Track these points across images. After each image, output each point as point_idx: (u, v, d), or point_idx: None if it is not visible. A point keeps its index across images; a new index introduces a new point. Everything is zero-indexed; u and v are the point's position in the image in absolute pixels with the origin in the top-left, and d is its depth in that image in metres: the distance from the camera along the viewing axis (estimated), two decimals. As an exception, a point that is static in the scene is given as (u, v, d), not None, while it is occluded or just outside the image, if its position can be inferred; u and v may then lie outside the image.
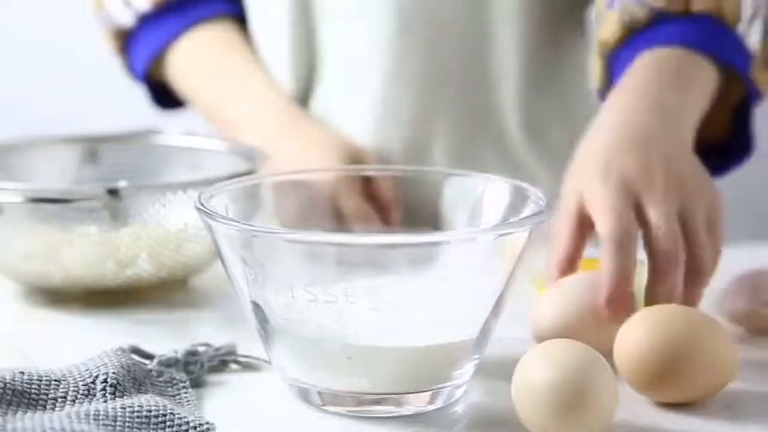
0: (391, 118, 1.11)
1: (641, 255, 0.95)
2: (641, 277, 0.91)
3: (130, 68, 1.20)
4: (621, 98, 0.90)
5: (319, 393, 0.74)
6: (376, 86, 1.11)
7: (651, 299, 0.80)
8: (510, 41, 1.11)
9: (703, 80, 0.94)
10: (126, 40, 1.17)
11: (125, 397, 0.73)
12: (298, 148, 1.06)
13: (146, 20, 1.16)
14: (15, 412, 0.71)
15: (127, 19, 1.16)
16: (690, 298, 0.82)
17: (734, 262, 0.93)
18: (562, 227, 0.84)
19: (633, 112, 0.88)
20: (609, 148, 0.85)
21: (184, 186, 0.90)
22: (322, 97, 1.13)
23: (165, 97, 1.21)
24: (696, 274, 0.82)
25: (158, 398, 0.72)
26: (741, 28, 0.97)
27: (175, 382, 0.77)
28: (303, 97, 1.14)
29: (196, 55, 1.15)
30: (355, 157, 1.05)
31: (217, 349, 0.80)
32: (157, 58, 1.16)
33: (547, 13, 1.13)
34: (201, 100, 1.15)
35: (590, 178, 0.83)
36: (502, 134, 1.14)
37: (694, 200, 0.83)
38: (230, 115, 1.12)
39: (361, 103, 1.12)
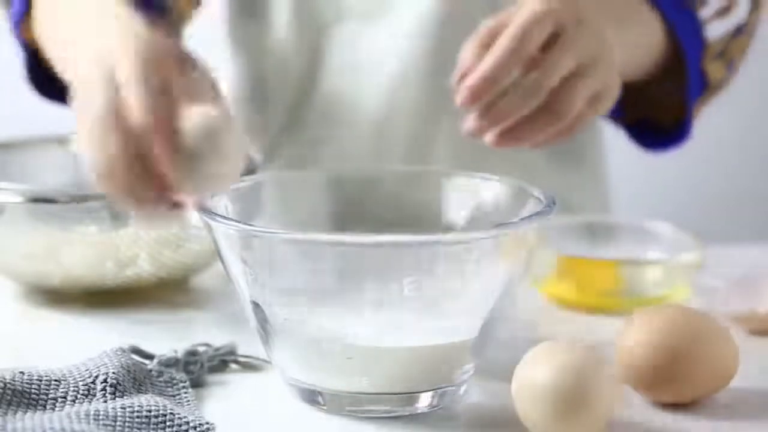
0: (395, 119, 1.11)
1: (644, 255, 0.96)
2: (644, 275, 0.91)
3: (13, 27, 1.05)
4: None
5: (319, 393, 0.74)
6: (380, 88, 1.11)
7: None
8: None
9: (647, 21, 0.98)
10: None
11: (125, 397, 0.73)
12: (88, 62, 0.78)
13: None
14: (15, 412, 0.71)
15: None
16: (528, 130, 0.84)
17: (734, 262, 0.94)
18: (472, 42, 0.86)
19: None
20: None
21: (184, 186, 0.90)
22: (321, 100, 1.13)
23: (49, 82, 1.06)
24: (548, 113, 0.83)
25: (158, 398, 0.72)
26: (704, 13, 0.99)
27: (175, 382, 0.77)
28: (297, 102, 1.14)
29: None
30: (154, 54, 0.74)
31: (217, 349, 0.80)
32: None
33: None
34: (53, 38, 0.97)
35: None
36: None
37: (597, 72, 0.84)
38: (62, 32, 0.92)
39: (364, 106, 1.12)
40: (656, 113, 1.08)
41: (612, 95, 0.86)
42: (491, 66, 0.82)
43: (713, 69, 1.02)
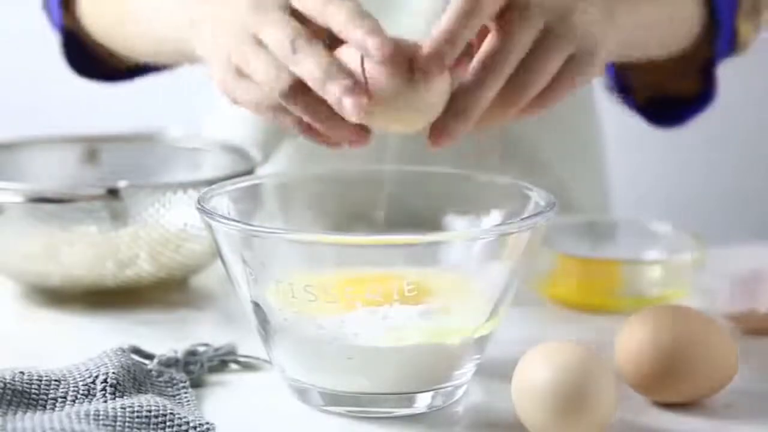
0: None
1: (644, 255, 0.96)
2: (644, 275, 0.91)
3: (48, 4, 1.11)
4: None
5: (320, 393, 0.74)
6: None
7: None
8: None
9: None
10: None
11: (125, 397, 0.73)
12: None
13: None
14: (15, 412, 0.71)
15: None
16: (497, 110, 0.77)
17: (734, 262, 0.94)
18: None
19: None
20: None
21: (184, 186, 0.90)
22: None
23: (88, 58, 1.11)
24: (512, 89, 0.76)
25: (158, 398, 0.72)
26: None
27: (175, 382, 0.77)
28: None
29: None
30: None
31: (217, 349, 0.80)
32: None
33: None
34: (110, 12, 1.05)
35: None
36: (508, 131, 1.14)
37: (569, 30, 0.77)
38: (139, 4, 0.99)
39: None
40: (670, 86, 1.06)
41: (592, 58, 0.78)
42: (445, 27, 0.74)
43: (744, 29, 1.00)
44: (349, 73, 0.74)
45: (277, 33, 0.76)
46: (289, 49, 0.75)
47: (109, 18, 1.05)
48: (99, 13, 1.07)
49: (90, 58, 1.11)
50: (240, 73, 0.79)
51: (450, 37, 0.74)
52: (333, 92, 0.73)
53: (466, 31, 0.74)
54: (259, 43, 0.78)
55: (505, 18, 0.77)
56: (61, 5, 1.08)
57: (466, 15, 0.75)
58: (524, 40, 0.76)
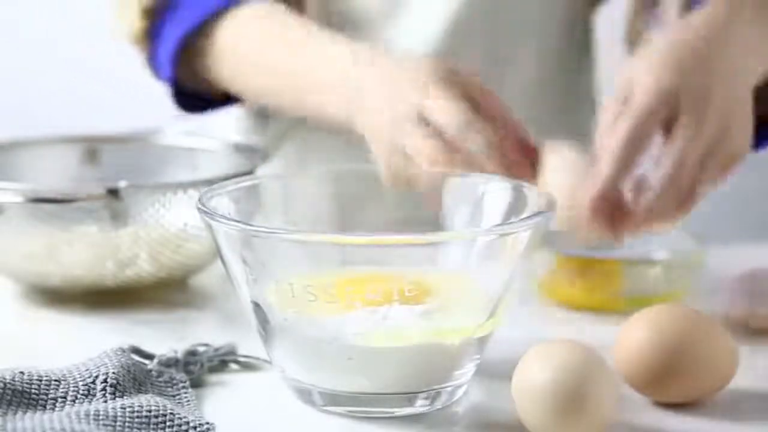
0: None
1: (644, 255, 0.96)
2: (644, 275, 0.91)
3: (154, 60, 1.12)
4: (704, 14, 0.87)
5: (320, 393, 0.74)
6: None
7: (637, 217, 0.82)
8: (527, 56, 1.12)
9: None
10: (153, 23, 1.10)
11: (125, 397, 0.73)
12: (382, 75, 0.92)
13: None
14: (15, 412, 0.71)
15: None
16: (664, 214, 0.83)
17: (734, 262, 0.94)
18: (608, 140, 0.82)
19: (713, 29, 0.85)
20: (676, 51, 0.83)
21: (184, 186, 0.90)
22: None
23: (187, 96, 1.14)
24: (679, 204, 0.82)
25: (158, 398, 0.72)
26: None
27: (175, 382, 0.77)
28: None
29: (243, 27, 1.06)
30: (450, 73, 0.89)
31: (217, 349, 0.80)
32: (189, 43, 1.08)
33: (562, 25, 1.14)
34: (258, 66, 1.05)
35: (647, 71, 0.82)
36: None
37: (725, 143, 0.82)
38: (298, 67, 1.01)
39: None
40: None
41: (738, 162, 0.85)
42: (605, 180, 0.80)
43: None
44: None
45: (447, 115, 0.84)
46: (460, 131, 0.84)
47: (260, 80, 1.05)
48: (243, 70, 1.06)
49: (193, 96, 1.14)
50: (402, 152, 0.86)
51: (609, 188, 0.81)
52: (497, 168, 0.83)
53: (622, 175, 0.81)
54: (423, 120, 0.85)
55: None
56: (174, 63, 1.09)
57: (625, 163, 0.81)
58: (694, 156, 0.81)
